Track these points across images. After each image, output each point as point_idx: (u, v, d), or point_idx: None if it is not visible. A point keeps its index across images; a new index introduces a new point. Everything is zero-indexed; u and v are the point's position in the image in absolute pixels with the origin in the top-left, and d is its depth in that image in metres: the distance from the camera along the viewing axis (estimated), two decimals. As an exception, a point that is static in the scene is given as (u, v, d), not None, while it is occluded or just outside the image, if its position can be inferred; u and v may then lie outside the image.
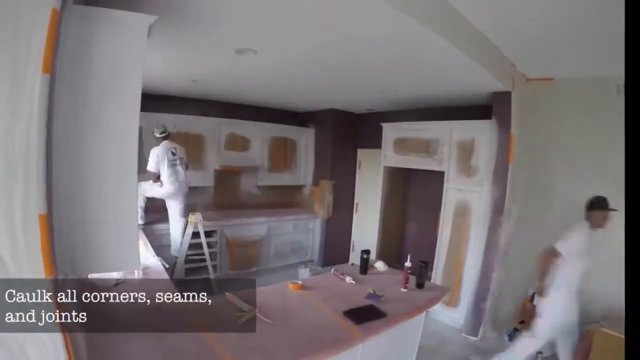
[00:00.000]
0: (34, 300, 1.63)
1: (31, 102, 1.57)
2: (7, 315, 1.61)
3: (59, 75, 1.88)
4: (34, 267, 1.62)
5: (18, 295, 1.61)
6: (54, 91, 1.79)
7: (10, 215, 1.56)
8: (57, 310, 1.71)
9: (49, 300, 1.67)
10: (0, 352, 1.61)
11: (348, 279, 4.40)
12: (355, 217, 9.69)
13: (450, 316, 6.17)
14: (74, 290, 2.53)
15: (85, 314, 3.05)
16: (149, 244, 5.53)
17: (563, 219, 5.61)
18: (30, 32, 1.58)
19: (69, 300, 2.12)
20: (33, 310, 1.64)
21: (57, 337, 1.71)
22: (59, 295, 1.77)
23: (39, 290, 1.64)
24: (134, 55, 2.18)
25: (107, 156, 2.09)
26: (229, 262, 7.94)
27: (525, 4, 3.47)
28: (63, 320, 1.74)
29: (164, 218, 7.08)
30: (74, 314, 2.25)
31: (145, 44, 2.28)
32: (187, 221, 6.82)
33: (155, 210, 7.60)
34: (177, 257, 6.83)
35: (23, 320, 1.63)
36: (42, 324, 1.67)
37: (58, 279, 1.87)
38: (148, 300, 3.62)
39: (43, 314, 1.66)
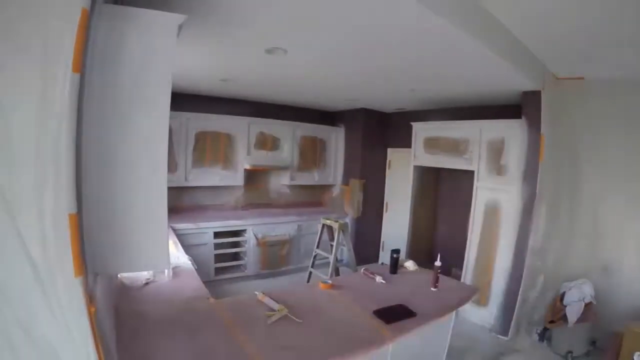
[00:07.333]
0: (64, 300, 1.63)
1: (61, 102, 1.57)
2: (38, 315, 1.61)
3: (89, 74, 1.88)
4: (64, 267, 1.62)
5: (49, 294, 1.60)
6: (84, 91, 1.79)
7: (41, 215, 1.56)
8: (88, 310, 1.70)
9: (80, 300, 1.67)
10: (31, 353, 1.61)
11: (378, 279, 4.39)
12: (385, 216, 9.66)
13: (480, 315, 6.11)
14: (105, 290, 2.55)
15: (115, 313, 3.09)
16: (178, 244, 5.57)
17: (592, 219, 5.57)
18: (60, 31, 1.58)
19: (100, 299, 2.14)
20: (64, 311, 1.64)
21: (88, 337, 1.71)
22: (89, 294, 1.77)
23: (69, 290, 1.64)
24: (164, 54, 2.17)
25: (137, 156, 2.08)
26: (261, 261, 7.97)
27: (556, 4, 3.41)
28: (93, 320, 1.74)
29: (193, 218, 7.15)
30: (104, 313, 2.27)
31: (175, 43, 2.27)
32: None
33: (184, 210, 7.68)
34: None
35: (54, 321, 1.63)
36: (72, 324, 1.67)
37: (88, 279, 1.87)
38: (178, 299, 3.66)
39: (73, 314, 1.66)
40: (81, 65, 1.66)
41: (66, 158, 1.60)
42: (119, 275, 3.81)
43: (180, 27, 2.29)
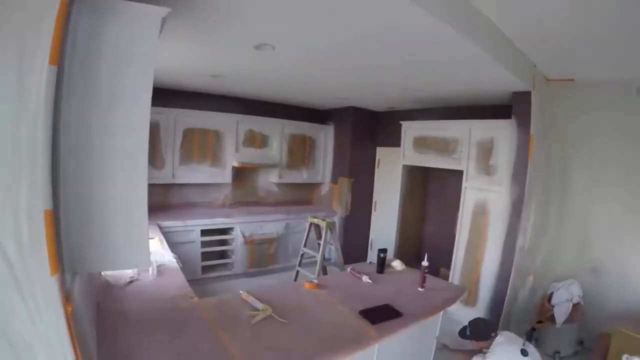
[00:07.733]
0: (40, 299, 1.59)
1: (38, 95, 1.53)
2: (14, 314, 1.57)
3: (69, 68, 1.84)
4: (41, 265, 1.58)
5: (25, 293, 1.56)
6: (62, 84, 1.76)
7: (16, 210, 1.52)
8: (64, 309, 1.67)
9: (56, 299, 1.63)
10: (8, 352, 1.57)
11: (364, 278, 4.37)
12: (374, 215, 9.65)
13: (468, 315, 6.11)
14: (85, 288, 2.51)
15: (98, 311, 3.05)
16: (164, 241, 5.51)
17: (581, 219, 5.59)
18: (38, 23, 1.54)
19: (78, 298, 2.09)
20: (40, 310, 1.60)
21: (65, 337, 1.67)
22: (66, 293, 1.73)
23: (45, 289, 1.60)
24: (146, 48, 2.13)
25: (117, 151, 2.04)
26: (248, 259, 7.93)
27: (546, 5, 3.41)
28: (70, 319, 1.70)
29: (180, 215, 7.11)
30: (83, 311, 2.23)
31: (157, 36, 2.23)
32: None
33: (171, 207, 7.62)
34: None
35: (30, 320, 1.59)
36: (49, 324, 1.63)
37: (65, 276, 1.83)
38: (162, 298, 3.62)
39: (50, 313, 1.62)
40: (58, 57, 1.62)
41: (42, 153, 1.57)
42: (102, 273, 3.77)
43: (163, 20, 2.25)
